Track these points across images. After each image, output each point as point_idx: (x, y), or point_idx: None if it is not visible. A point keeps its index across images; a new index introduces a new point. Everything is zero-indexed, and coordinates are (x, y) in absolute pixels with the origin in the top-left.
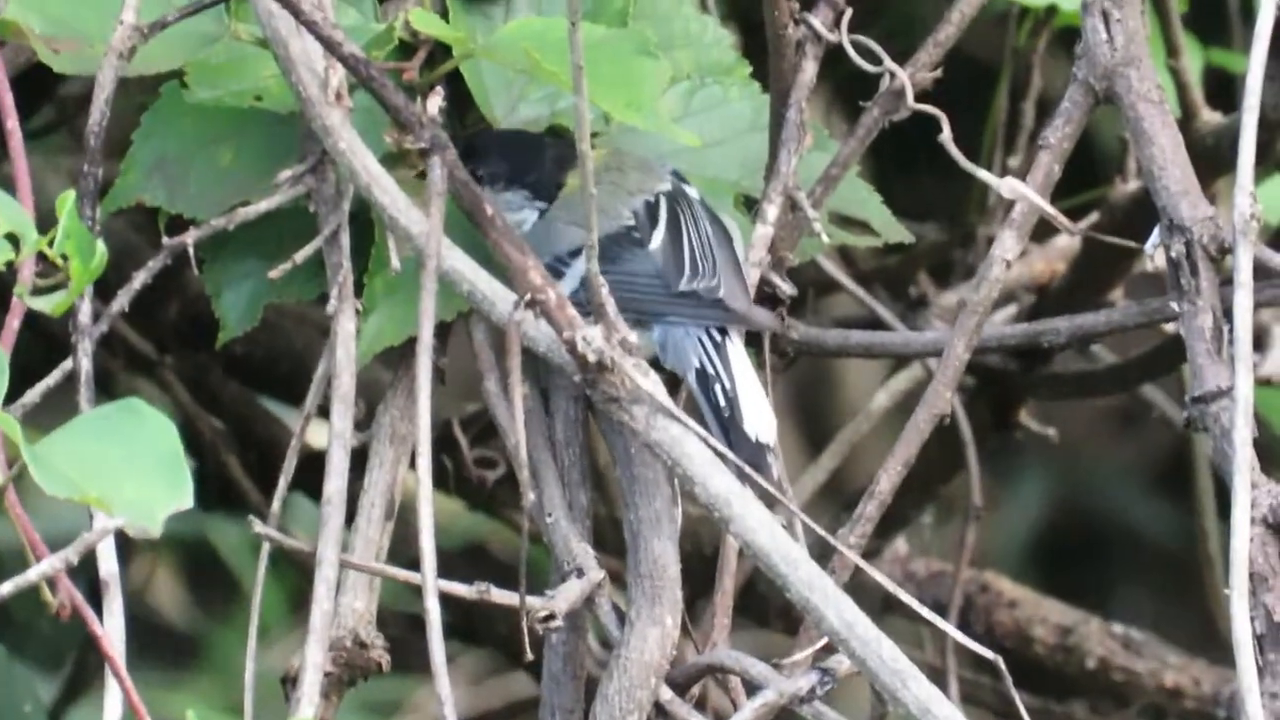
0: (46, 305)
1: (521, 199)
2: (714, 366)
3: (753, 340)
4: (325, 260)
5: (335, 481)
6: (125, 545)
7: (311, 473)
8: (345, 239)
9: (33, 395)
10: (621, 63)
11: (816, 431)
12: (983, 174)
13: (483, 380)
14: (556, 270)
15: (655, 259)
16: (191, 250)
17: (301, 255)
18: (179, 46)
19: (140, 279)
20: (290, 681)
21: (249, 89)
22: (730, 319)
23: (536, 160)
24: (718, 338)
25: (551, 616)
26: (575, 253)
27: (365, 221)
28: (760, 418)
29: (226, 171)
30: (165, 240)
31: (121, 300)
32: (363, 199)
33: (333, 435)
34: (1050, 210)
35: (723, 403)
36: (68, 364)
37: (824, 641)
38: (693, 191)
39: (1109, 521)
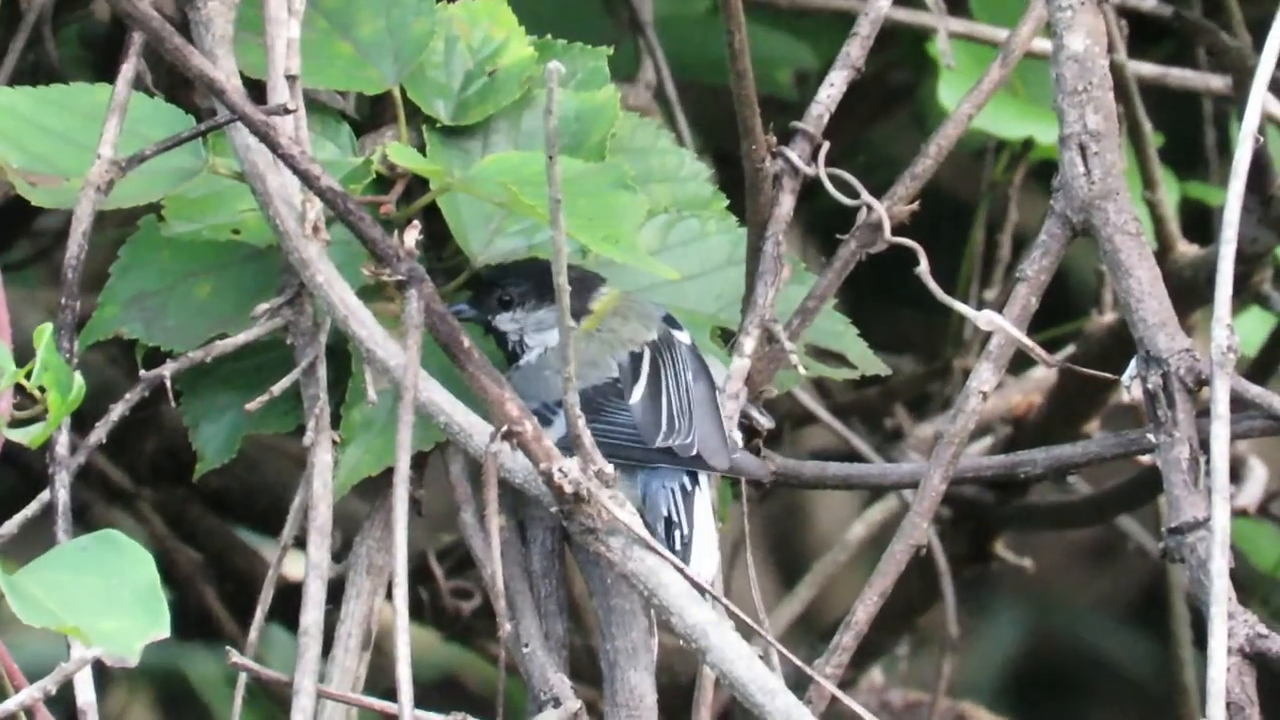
0: (24, 437)
1: (554, 318)
2: (678, 515)
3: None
4: (302, 392)
5: (312, 612)
6: (101, 676)
7: (288, 603)
8: (322, 371)
9: (10, 526)
10: (599, 197)
11: (791, 562)
12: (960, 306)
13: (459, 511)
14: (544, 418)
15: (635, 414)
16: (169, 383)
17: (279, 387)
18: (157, 181)
19: (118, 411)
20: None
21: (227, 223)
22: (708, 467)
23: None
24: (689, 487)
25: None
26: (563, 403)
27: (342, 354)
28: (705, 559)
29: (204, 305)
30: (143, 373)
31: (99, 433)
32: (340, 331)
33: (309, 566)
34: (1027, 342)
35: (679, 547)
36: (45, 495)
37: None
38: (684, 337)
39: (1083, 652)
